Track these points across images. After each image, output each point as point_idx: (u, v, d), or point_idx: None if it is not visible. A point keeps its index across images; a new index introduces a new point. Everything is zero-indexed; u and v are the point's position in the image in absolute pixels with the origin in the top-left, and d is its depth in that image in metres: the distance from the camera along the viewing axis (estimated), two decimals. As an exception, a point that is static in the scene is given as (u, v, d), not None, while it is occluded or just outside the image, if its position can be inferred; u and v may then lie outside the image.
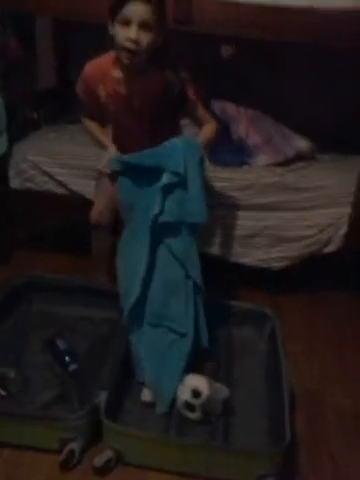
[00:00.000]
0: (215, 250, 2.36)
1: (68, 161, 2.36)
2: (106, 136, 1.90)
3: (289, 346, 1.85)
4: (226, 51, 2.79)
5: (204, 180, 1.73)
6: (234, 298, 2.19)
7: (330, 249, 2.33)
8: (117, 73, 1.71)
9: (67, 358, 1.73)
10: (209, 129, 1.84)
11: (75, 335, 1.90)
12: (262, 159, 2.44)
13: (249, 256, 2.36)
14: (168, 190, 1.63)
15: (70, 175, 2.36)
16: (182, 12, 2.06)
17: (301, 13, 2.02)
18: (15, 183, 2.42)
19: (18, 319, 1.99)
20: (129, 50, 1.58)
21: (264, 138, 2.51)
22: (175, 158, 1.62)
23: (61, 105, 3.09)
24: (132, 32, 1.54)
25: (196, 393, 1.56)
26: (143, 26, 1.55)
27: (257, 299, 2.25)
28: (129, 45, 1.57)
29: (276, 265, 2.36)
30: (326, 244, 2.33)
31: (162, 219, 1.63)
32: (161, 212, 1.62)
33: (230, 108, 2.56)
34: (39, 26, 2.99)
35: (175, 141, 1.66)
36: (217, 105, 2.55)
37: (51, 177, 2.38)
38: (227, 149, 2.44)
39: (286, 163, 2.47)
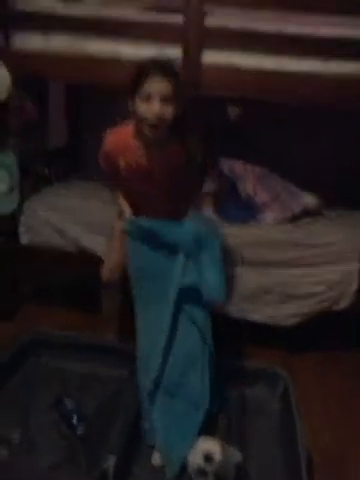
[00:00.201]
0: (224, 308, 2.34)
1: (78, 217, 2.38)
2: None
3: (303, 406, 1.80)
4: (233, 112, 2.88)
5: (222, 262, 1.79)
6: (245, 357, 2.16)
7: (341, 306, 2.31)
8: (138, 144, 1.74)
9: (75, 419, 1.68)
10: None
11: (83, 394, 1.86)
12: (270, 216, 2.47)
13: (259, 313, 2.33)
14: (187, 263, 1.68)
15: (80, 231, 2.38)
16: (191, 78, 2.13)
17: (302, 77, 2.10)
18: (25, 239, 2.44)
19: (25, 377, 1.96)
20: (152, 124, 1.62)
21: (271, 195, 2.55)
22: (189, 241, 1.68)
23: (72, 162, 3.18)
24: (155, 107, 1.59)
25: (208, 458, 1.50)
26: (164, 100, 1.60)
27: (268, 357, 2.21)
28: (153, 120, 1.61)
29: (286, 322, 2.32)
30: (337, 301, 2.30)
31: (186, 282, 1.65)
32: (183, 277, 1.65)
33: (238, 167, 2.62)
34: (52, 87, 3.11)
35: (193, 225, 1.71)
36: (225, 164, 2.61)
37: (61, 233, 2.40)
38: (235, 206, 2.48)
39: (293, 219, 2.49)
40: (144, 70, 1.61)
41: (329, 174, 2.92)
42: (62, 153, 3.10)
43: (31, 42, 2.19)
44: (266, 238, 2.32)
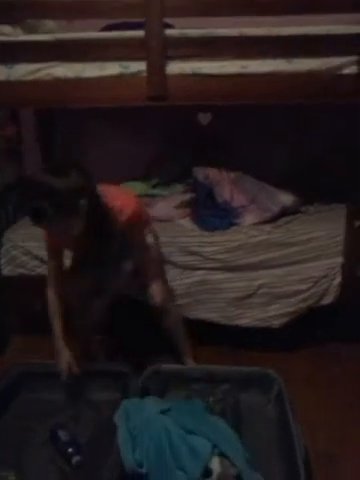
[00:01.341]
0: (211, 315, 2.36)
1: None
2: (61, 338, 1.91)
3: (298, 406, 1.80)
4: (204, 119, 2.89)
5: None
6: (236, 362, 2.17)
7: (327, 301, 2.33)
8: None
9: (70, 450, 1.67)
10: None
11: (77, 422, 1.85)
12: (249, 219, 2.48)
13: (246, 317, 2.34)
14: None
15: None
16: (156, 89, 2.14)
17: (267, 77, 2.11)
18: (7, 270, 2.43)
19: (17, 411, 1.94)
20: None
21: (248, 198, 2.57)
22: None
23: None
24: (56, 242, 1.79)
25: (207, 472, 1.51)
26: (57, 234, 1.72)
27: (259, 361, 2.21)
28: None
29: (275, 323, 2.34)
30: (322, 296, 2.33)
31: None
32: None
33: (212, 173, 2.64)
34: (23, 115, 3.11)
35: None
36: (200, 172, 2.63)
37: (43, 261, 2.39)
38: (214, 213, 2.48)
39: (273, 220, 2.50)
40: (28, 216, 1.61)
41: (303, 171, 2.94)
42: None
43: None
44: (247, 241, 2.33)
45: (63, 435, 1.73)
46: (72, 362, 1.88)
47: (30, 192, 1.56)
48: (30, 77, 2.16)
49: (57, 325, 1.88)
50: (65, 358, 1.86)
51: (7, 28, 2.21)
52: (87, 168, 1.67)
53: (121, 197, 1.85)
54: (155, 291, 2.03)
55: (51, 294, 1.91)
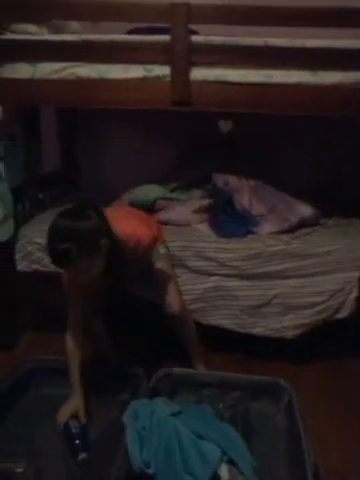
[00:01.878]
0: (224, 322, 2.33)
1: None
2: (78, 381, 1.85)
3: (308, 419, 1.76)
4: (225, 126, 2.90)
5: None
6: (248, 370, 2.14)
7: (342, 315, 2.29)
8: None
9: (77, 443, 1.66)
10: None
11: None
12: (267, 228, 2.46)
13: (260, 326, 2.31)
14: None
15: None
16: (179, 94, 2.15)
17: (291, 88, 2.12)
18: (22, 266, 2.43)
19: (27, 406, 1.93)
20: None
21: (267, 207, 2.55)
22: None
23: (66, 186, 3.19)
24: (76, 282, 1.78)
25: (215, 478, 1.48)
26: (79, 273, 1.71)
27: (271, 370, 2.17)
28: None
29: (289, 334, 2.30)
30: (337, 310, 2.29)
31: None
32: None
33: (232, 180, 2.64)
34: (44, 112, 3.14)
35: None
36: (220, 178, 2.63)
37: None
38: (231, 220, 2.47)
39: (291, 230, 2.48)
40: (51, 259, 1.64)
41: (324, 183, 2.92)
42: (56, 177, 3.12)
43: (19, 71, 2.21)
44: (264, 250, 2.31)
45: (73, 427, 1.71)
46: (81, 411, 1.81)
47: (55, 236, 1.61)
48: (54, 76, 2.19)
49: (75, 373, 1.84)
50: (73, 405, 1.80)
51: (33, 27, 2.25)
52: (101, 208, 1.75)
53: (136, 228, 1.89)
54: (172, 300, 2.04)
55: (71, 342, 1.87)
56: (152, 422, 1.60)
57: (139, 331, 2.45)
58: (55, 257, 1.61)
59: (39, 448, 1.72)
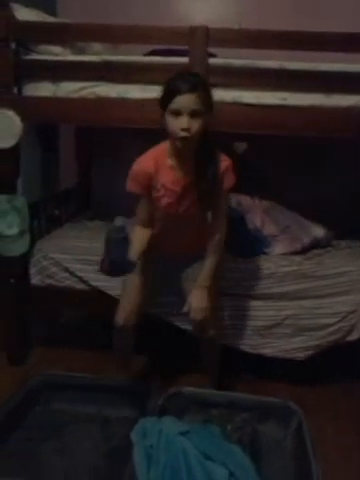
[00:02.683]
0: (235, 342, 2.33)
1: (88, 257, 2.40)
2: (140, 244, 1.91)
3: (317, 441, 1.74)
4: (239, 147, 2.92)
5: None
6: (257, 392, 2.12)
7: (354, 337, 2.28)
8: (171, 164, 1.85)
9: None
10: (217, 241, 1.93)
11: (92, 438, 1.82)
12: (279, 248, 2.47)
13: (270, 347, 2.31)
14: None
15: (90, 271, 2.39)
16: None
17: (304, 111, 2.14)
18: (36, 280, 2.46)
19: (34, 421, 1.92)
20: (182, 137, 1.72)
21: (280, 228, 2.56)
22: None
23: (82, 203, 3.24)
24: (184, 122, 1.69)
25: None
26: (193, 115, 1.70)
27: (280, 392, 2.17)
28: (183, 134, 1.71)
29: (299, 355, 2.30)
30: (349, 332, 2.28)
31: None
32: None
33: (245, 200, 2.65)
34: (63, 130, 3.20)
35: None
36: (233, 198, 2.64)
37: (72, 273, 2.43)
38: (244, 240, 2.48)
39: (303, 251, 2.49)
40: (173, 87, 1.70)
41: (337, 205, 2.93)
42: (73, 194, 3.17)
43: (41, 89, 2.27)
44: (276, 271, 2.31)
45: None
46: (129, 315, 1.95)
47: (185, 73, 1.79)
48: (75, 95, 2.24)
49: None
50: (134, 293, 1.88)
51: (57, 48, 2.31)
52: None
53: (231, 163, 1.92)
54: (210, 329, 2.01)
55: (139, 228, 1.93)
56: (160, 441, 1.60)
57: (148, 349, 2.45)
58: (184, 83, 1.69)
59: (44, 463, 1.72)
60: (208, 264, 1.94)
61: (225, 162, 1.87)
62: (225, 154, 1.89)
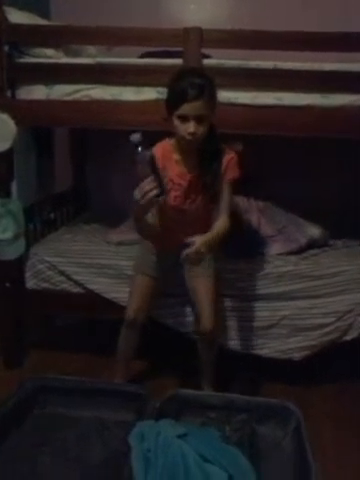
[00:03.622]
0: (231, 342, 2.33)
1: (83, 260, 2.40)
2: None
3: (315, 442, 1.73)
4: (235, 147, 2.91)
5: None
6: (255, 392, 2.12)
7: (350, 336, 2.28)
8: (176, 156, 1.90)
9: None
10: (220, 226, 1.92)
11: (89, 442, 1.80)
12: (275, 248, 2.47)
13: (267, 347, 2.31)
14: None
15: (85, 274, 2.40)
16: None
17: (299, 110, 2.15)
18: (31, 284, 2.46)
19: (30, 425, 1.89)
20: (189, 140, 1.78)
21: (276, 228, 2.56)
22: None
23: (77, 206, 3.23)
24: (190, 127, 1.74)
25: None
26: (199, 119, 1.73)
27: (278, 392, 2.17)
28: (190, 137, 1.77)
29: (296, 355, 2.30)
30: (346, 332, 2.28)
31: None
32: None
33: (241, 201, 2.65)
34: (57, 133, 3.19)
35: None
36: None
37: (67, 277, 2.42)
38: (240, 240, 2.47)
39: (300, 251, 2.49)
40: (180, 93, 1.73)
41: (333, 204, 2.93)
42: (68, 197, 3.16)
43: (35, 92, 2.27)
44: (272, 271, 2.31)
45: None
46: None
47: (192, 75, 1.78)
48: (68, 97, 2.24)
49: None
50: None
51: (50, 51, 2.31)
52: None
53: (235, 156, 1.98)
54: (211, 326, 2.04)
55: None
56: (158, 444, 1.59)
57: (145, 352, 2.44)
58: (191, 88, 1.71)
59: (42, 468, 1.69)
60: (213, 230, 1.93)
61: (229, 155, 1.93)
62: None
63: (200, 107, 1.73)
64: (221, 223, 1.93)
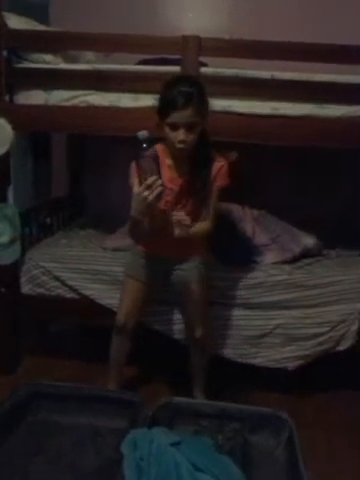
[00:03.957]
0: (225, 351, 2.33)
1: (79, 266, 2.40)
2: None
3: (308, 451, 1.73)
4: (231, 157, 2.93)
5: None
6: (247, 402, 2.12)
7: (343, 346, 2.29)
8: (168, 161, 1.91)
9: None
10: (203, 226, 1.96)
11: (82, 449, 1.80)
12: (269, 257, 2.47)
13: (261, 357, 2.31)
14: None
15: (80, 280, 2.40)
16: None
17: (295, 121, 2.16)
18: (26, 289, 2.45)
19: (23, 432, 1.88)
20: (179, 148, 1.79)
21: (270, 237, 2.57)
22: None
23: (73, 212, 3.23)
24: (180, 135, 1.76)
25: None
26: (188, 127, 1.75)
27: (271, 402, 2.17)
28: (180, 145, 1.79)
29: (289, 365, 2.30)
30: (339, 341, 2.29)
31: None
32: None
33: (236, 209, 2.66)
34: (55, 138, 3.19)
35: None
36: (223, 207, 2.64)
37: (62, 282, 2.42)
38: (235, 249, 2.48)
39: (294, 260, 2.49)
40: (169, 101, 1.75)
41: (327, 214, 2.94)
42: (64, 202, 3.16)
43: (33, 97, 2.27)
44: (266, 280, 2.32)
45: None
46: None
47: (181, 82, 1.78)
48: (66, 103, 2.24)
49: None
50: None
51: (49, 56, 2.31)
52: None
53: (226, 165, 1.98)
54: (201, 332, 2.09)
55: None
56: (151, 452, 1.59)
57: (138, 359, 2.43)
58: (179, 97, 1.72)
59: (34, 476, 1.68)
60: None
61: (219, 163, 1.94)
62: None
63: (189, 115, 1.74)
64: (204, 225, 1.96)
